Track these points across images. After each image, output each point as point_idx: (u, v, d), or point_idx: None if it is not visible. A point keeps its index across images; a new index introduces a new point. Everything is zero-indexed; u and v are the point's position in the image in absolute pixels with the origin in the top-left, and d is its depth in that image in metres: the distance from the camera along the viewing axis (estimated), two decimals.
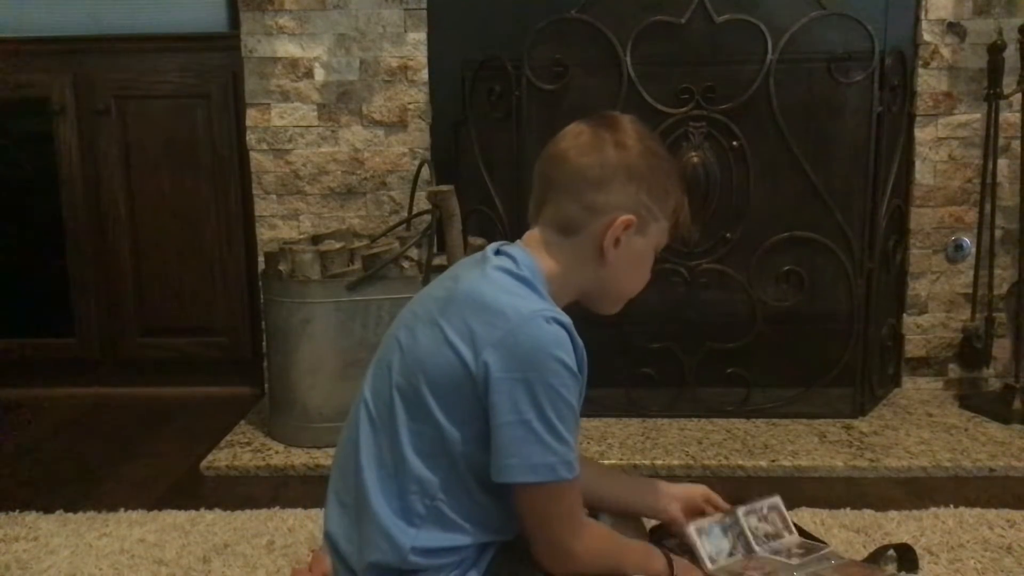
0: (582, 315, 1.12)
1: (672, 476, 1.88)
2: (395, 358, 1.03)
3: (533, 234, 1.08)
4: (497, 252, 1.06)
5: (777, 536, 1.33)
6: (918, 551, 1.49)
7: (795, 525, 1.40)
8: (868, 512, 1.68)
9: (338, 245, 2.08)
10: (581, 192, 1.04)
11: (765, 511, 1.36)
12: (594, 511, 1.22)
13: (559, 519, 1.00)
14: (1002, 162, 2.30)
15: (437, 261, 2.01)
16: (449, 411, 0.98)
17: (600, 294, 1.11)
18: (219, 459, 2.02)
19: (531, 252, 1.06)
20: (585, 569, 1.02)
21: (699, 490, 1.33)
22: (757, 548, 1.27)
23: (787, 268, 2.21)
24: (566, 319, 0.99)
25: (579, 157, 1.05)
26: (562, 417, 0.96)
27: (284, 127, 2.39)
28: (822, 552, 1.29)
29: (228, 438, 2.15)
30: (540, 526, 1.00)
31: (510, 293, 0.99)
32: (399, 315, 1.10)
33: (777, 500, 1.39)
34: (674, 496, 1.30)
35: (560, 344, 0.96)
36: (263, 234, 2.43)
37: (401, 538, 0.99)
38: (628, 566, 1.07)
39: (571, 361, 0.97)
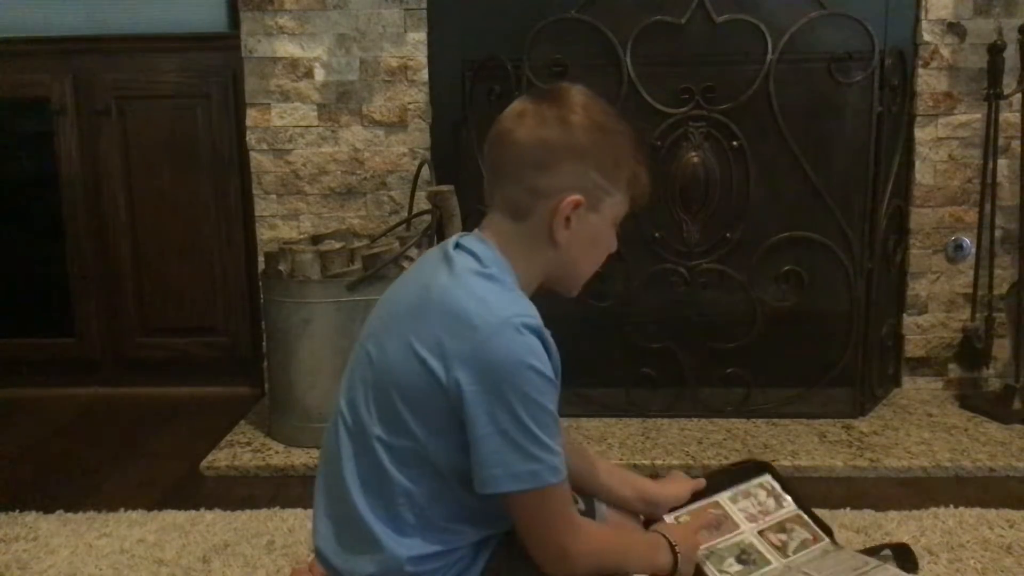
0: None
1: None
2: (367, 372, 1.01)
3: (489, 222, 1.04)
4: (456, 246, 1.02)
5: (766, 512, 1.35)
6: (918, 551, 1.49)
7: (802, 507, 1.40)
8: (868, 512, 1.68)
9: (338, 245, 2.08)
10: (524, 176, 1.00)
11: (750, 489, 1.38)
12: (589, 500, 1.22)
13: (551, 523, 0.98)
14: (1002, 162, 2.30)
15: None
16: (426, 423, 0.96)
17: (560, 276, 1.07)
18: (219, 459, 2.02)
19: (491, 243, 1.02)
20: (584, 570, 1.01)
21: (683, 492, 1.34)
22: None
23: (787, 268, 2.21)
24: (536, 322, 0.95)
25: (521, 138, 1.00)
26: (541, 423, 0.93)
27: (284, 127, 2.39)
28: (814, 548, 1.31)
29: (228, 438, 2.15)
30: (534, 532, 0.99)
31: (479, 299, 0.95)
32: (368, 321, 1.07)
33: (764, 479, 1.41)
34: (663, 503, 1.31)
35: (532, 352, 0.93)
36: (263, 234, 2.43)
37: (396, 550, 0.97)
38: (630, 563, 1.06)
39: (545, 368, 0.94)
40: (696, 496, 1.36)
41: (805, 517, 1.38)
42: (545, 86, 1.04)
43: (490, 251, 1.01)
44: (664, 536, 1.15)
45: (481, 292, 0.96)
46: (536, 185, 1.00)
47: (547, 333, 0.96)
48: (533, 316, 0.96)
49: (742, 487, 1.40)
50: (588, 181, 1.01)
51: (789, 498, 1.40)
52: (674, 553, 1.12)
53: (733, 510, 1.36)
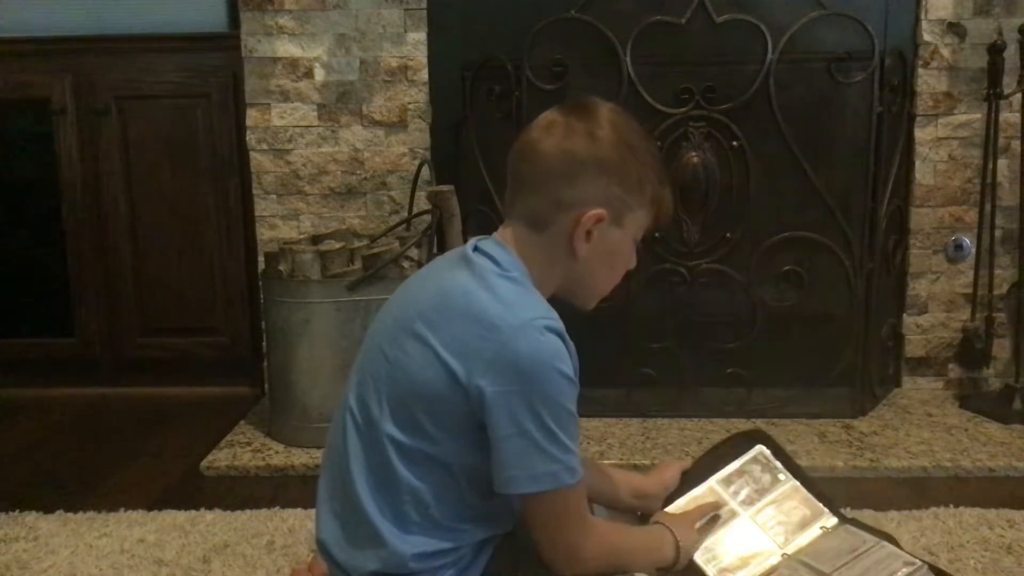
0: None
1: None
2: (382, 371, 1.00)
3: (507, 230, 1.05)
4: (475, 249, 1.03)
5: (762, 492, 1.34)
6: (918, 551, 1.48)
7: (799, 477, 1.38)
8: (868, 512, 1.68)
9: (338, 245, 2.08)
10: (549, 186, 1.00)
11: (743, 467, 1.37)
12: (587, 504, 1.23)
13: (566, 524, 0.99)
14: (1002, 162, 2.30)
15: None
16: (441, 424, 0.96)
17: (576, 289, 1.07)
18: (219, 459, 2.02)
19: (509, 248, 1.02)
20: (596, 569, 1.02)
21: (672, 476, 1.35)
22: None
23: (787, 268, 2.21)
24: (558, 324, 0.96)
25: (547, 149, 1.01)
26: (562, 425, 0.94)
27: (284, 127, 2.39)
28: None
29: (228, 438, 2.15)
30: (548, 532, 0.99)
31: (500, 301, 0.95)
32: (379, 319, 1.06)
33: (757, 452, 1.40)
34: (656, 495, 1.32)
35: (556, 354, 0.94)
36: (263, 234, 2.43)
37: (401, 547, 0.98)
38: (638, 560, 1.07)
39: (568, 369, 0.94)
40: (689, 480, 1.36)
41: (802, 489, 1.36)
42: (574, 100, 1.04)
43: (509, 255, 1.01)
44: (668, 529, 1.16)
45: (502, 293, 0.96)
46: (560, 196, 1.00)
47: (567, 336, 0.97)
48: (554, 318, 0.96)
49: (735, 465, 1.38)
50: (611, 196, 1.01)
51: (784, 470, 1.38)
52: (677, 546, 1.13)
53: (728, 495, 1.35)
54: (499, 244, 1.03)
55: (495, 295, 0.96)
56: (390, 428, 0.98)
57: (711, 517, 1.29)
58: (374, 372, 1.02)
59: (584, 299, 1.10)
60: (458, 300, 0.97)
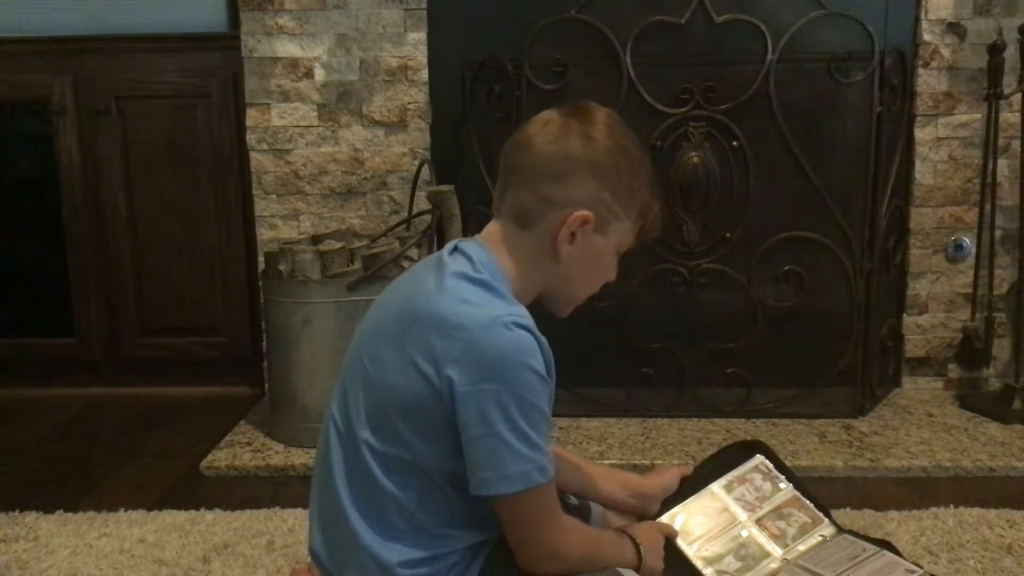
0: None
1: None
2: (360, 378, 1.00)
3: (494, 227, 1.04)
4: (454, 250, 1.02)
5: (763, 499, 1.34)
6: (918, 551, 1.49)
7: (799, 487, 1.39)
8: (868, 512, 1.68)
9: (338, 245, 2.08)
10: (540, 183, 1.00)
11: (744, 475, 1.38)
12: (584, 500, 1.23)
13: (541, 524, 0.98)
14: (1002, 162, 2.30)
15: None
16: (419, 431, 0.96)
17: (554, 293, 1.07)
18: (219, 459, 2.02)
19: (489, 248, 1.01)
20: (572, 567, 1.01)
21: (671, 479, 1.35)
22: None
23: (787, 268, 2.21)
24: (527, 320, 0.95)
25: (542, 146, 1.00)
26: (533, 423, 0.93)
27: (284, 127, 2.39)
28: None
29: (228, 438, 2.15)
30: (524, 533, 0.98)
31: (466, 302, 0.95)
32: (360, 328, 1.06)
33: (758, 461, 1.40)
34: (654, 496, 1.31)
35: (525, 349, 0.92)
36: (263, 234, 2.43)
37: (387, 556, 0.97)
38: (606, 558, 1.07)
39: (538, 365, 0.93)
40: (690, 486, 1.36)
41: (802, 499, 1.37)
42: (575, 102, 1.04)
43: (486, 256, 1.00)
44: (627, 535, 1.15)
45: (466, 295, 0.96)
46: (550, 194, 0.99)
47: (538, 332, 0.95)
48: (523, 316, 0.95)
49: (736, 472, 1.38)
50: (600, 201, 1.00)
51: (785, 479, 1.39)
52: (636, 545, 1.12)
53: (729, 500, 1.35)
54: (479, 244, 1.02)
55: (458, 298, 0.95)
56: (367, 436, 0.98)
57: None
58: (354, 380, 1.02)
59: (561, 304, 1.09)
60: (422, 307, 0.97)
